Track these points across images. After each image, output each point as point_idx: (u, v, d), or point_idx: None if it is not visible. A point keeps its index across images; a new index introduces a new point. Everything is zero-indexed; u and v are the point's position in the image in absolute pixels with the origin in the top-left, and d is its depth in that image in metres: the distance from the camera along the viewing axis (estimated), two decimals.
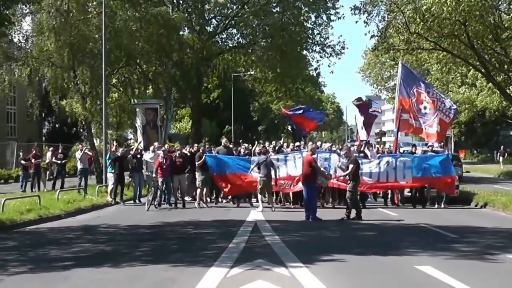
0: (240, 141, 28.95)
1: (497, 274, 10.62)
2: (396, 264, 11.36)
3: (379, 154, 23.99)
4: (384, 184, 22.58)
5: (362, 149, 23.94)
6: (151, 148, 25.21)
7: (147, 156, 24.49)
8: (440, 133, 24.32)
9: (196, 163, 22.95)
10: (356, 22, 44.17)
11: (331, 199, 23.15)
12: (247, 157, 23.98)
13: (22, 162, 29.44)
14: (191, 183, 23.77)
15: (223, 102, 67.08)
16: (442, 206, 22.90)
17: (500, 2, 35.97)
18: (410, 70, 25.98)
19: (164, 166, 22.28)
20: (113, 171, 24.31)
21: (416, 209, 22.39)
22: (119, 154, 24.50)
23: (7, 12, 16.60)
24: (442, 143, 24.96)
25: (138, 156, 24.32)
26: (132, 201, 24.47)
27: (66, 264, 11.30)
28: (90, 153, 28.78)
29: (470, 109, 56.20)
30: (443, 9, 32.43)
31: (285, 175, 22.54)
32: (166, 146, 25.47)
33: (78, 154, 27.23)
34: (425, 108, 24.04)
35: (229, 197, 24.12)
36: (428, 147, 25.03)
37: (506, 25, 33.98)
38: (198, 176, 22.94)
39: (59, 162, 28.97)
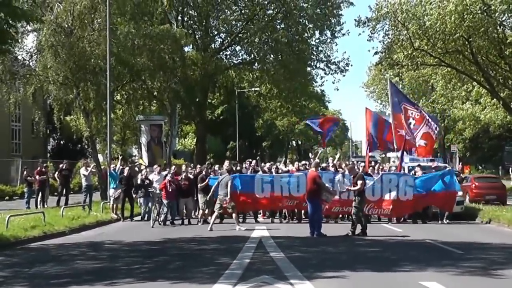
0: (256, 159, 28.87)
1: None
2: (401, 280, 11.29)
3: (382, 172, 23.93)
4: (387, 201, 22.46)
5: (368, 171, 23.76)
6: (155, 169, 24.96)
7: (153, 178, 24.31)
8: (428, 148, 24.68)
9: (199, 185, 22.81)
10: (359, 34, 44.48)
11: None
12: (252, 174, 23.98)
13: (28, 178, 29.41)
14: (196, 205, 23.70)
15: (227, 119, 67.16)
16: (445, 221, 22.84)
17: (504, 18, 36.02)
18: (396, 87, 26.35)
19: (170, 190, 22.17)
20: (115, 187, 24.37)
21: (421, 224, 22.32)
22: (125, 174, 24.41)
23: (10, 30, 16.62)
24: (438, 158, 25.02)
25: (147, 181, 24.03)
26: (139, 217, 24.33)
27: (68, 280, 11.24)
28: (94, 170, 28.72)
29: (475, 125, 56.14)
30: (447, 25, 32.53)
31: (287, 194, 22.60)
32: (173, 167, 25.13)
33: (83, 171, 27.21)
34: (410, 124, 24.33)
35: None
36: (433, 167, 24.99)
37: (510, 41, 34.02)
38: (201, 198, 22.80)
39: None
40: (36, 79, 31.22)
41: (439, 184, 22.82)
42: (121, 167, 25.11)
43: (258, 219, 23.42)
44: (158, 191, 22.52)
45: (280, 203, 22.97)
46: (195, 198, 23.37)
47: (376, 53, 40.78)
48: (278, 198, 22.72)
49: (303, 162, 27.26)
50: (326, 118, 27.83)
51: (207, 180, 22.61)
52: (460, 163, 69.81)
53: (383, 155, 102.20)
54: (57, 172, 30.24)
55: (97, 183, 32.86)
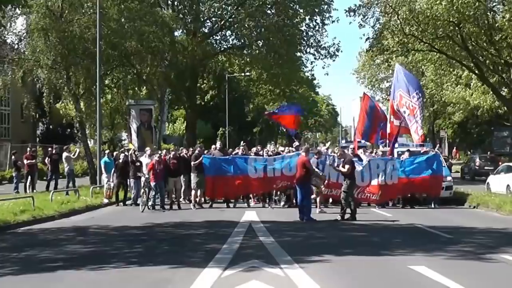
0: (268, 144, 29.00)
1: (492, 274, 10.62)
2: (390, 264, 11.35)
3: (370, 158, 23.91)
4: (375, 186, 22.50)
5: (356, 152, 23.85)
6: (147, 153, 24.87)
7: (144, 160, 24.27)
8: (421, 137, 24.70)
9: (192, 163, 22.81)
10: (350, 23, 44.45)
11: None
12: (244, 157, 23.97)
13: (19, 163, 29.21)
14: (187, 186, 23.64)
15: (218, 104, 66.99)
16: (433, 206, 22.95)
17: (494, 4, 36.06)
18: (402, 73, 25.80)
19: (158, 170, 22.09)
20: (107, 174, 24.38)
21: (410, 209, 22.42)
22: (120, 160, 24.31)
23: None
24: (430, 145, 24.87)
25: (137, 163, 23.98)
26: (130, 201, 24.25)
27: (58, 265, 11.25)
28: (74, 156, 28.67)
29: (464, 108, 56.28)
30: (437, 10, 32.52)
31: (279, 175, 22.63)
32: (164, 151, 25.10)
33: (64, 155, 27.25)
34: (404, 112, 24.20)
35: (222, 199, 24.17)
36: (422, 152, 25.05)
37: (500, 27, 34.08)
38: (193, 177, 22.80)
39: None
40: (25, 62, 31.05)
41: (426, 169, 22.94)
42: (110, 153, 25.13)
43: (250, 204, 23.45)
44: (146, 176, 22.42)
45: (274, 184, 22.96)
46: (184, 178, 23.41)
47: (367, 39, 40.86)
48: (271, 179, 22.74)
49: (296, 144, 27.25)
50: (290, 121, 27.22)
51: (201, 158, 22.65)
52: (455, 147, 69.91)
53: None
54: (46, 157, 30.11)
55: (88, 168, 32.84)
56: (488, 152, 53.19)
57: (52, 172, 28.85)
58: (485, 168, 41.00)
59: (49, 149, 30.43)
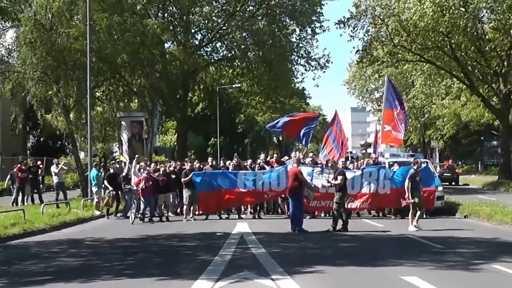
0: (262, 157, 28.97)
1: (483, 285, 10.64)
2: (382, 275, 11.35)
3: (362, 166, 23.93)
4: (365, 194, 22.47)
5: (347, 165, 23.80)
6: (137, 166, 24.65)
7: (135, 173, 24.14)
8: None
9: (182, 179, 22.74)
10: (341, 35, 44.96)
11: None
12: (235, 171, 23.86)
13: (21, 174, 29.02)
14: (175, 199, 23.59)
15: (208, 115, 67.01)
16: (424, 216, 22.91)
17: (483, 14, 36.30)
18: (393, 84, 26.27)
19: (145, 187, 22.00)
20: (97, 185, 24.25)
21: (401, 219, 22.39)
22: (111, 172, 24.19)
23: None
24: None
25: (129, 177, 23.83)
26: (121, 214, 24.16)
27: (48, 278, 11.19)
28: (65, 168, 28.53)
29: (455, 122, 56.60)
30: (425, 21, 32.73)
31: (268, 189, 22.54)
32: (152, 165, 24.96)
33: (53, 168, 27.13)
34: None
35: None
36: (414, 159, 25.06)
37: (489, 37, 34.28)
38: (185, 192, 22.73)
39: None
40: (14, 75, 30.96)
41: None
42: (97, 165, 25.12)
43: (242, 215, 23.43)
44: (135, 188, 22.34)
45: (265, 195, 22.90)
46: (173, 193, 23.47)
47: (357, 51, 41.09)
48: (260, 193, 22.67)
49: (286, 157, 27.13)
50: (296, 119, 26.12)
51: (190, 175, 22.56)
52: (450, 159, 70.21)
53: (364, 151, 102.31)
54: (54, 166, 30.00)
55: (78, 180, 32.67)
56: (449, 161, 59.18)
57: (34, 185, 28.60)
58: (444, 174, 46.79)
59: (54, 160, 30.26)
